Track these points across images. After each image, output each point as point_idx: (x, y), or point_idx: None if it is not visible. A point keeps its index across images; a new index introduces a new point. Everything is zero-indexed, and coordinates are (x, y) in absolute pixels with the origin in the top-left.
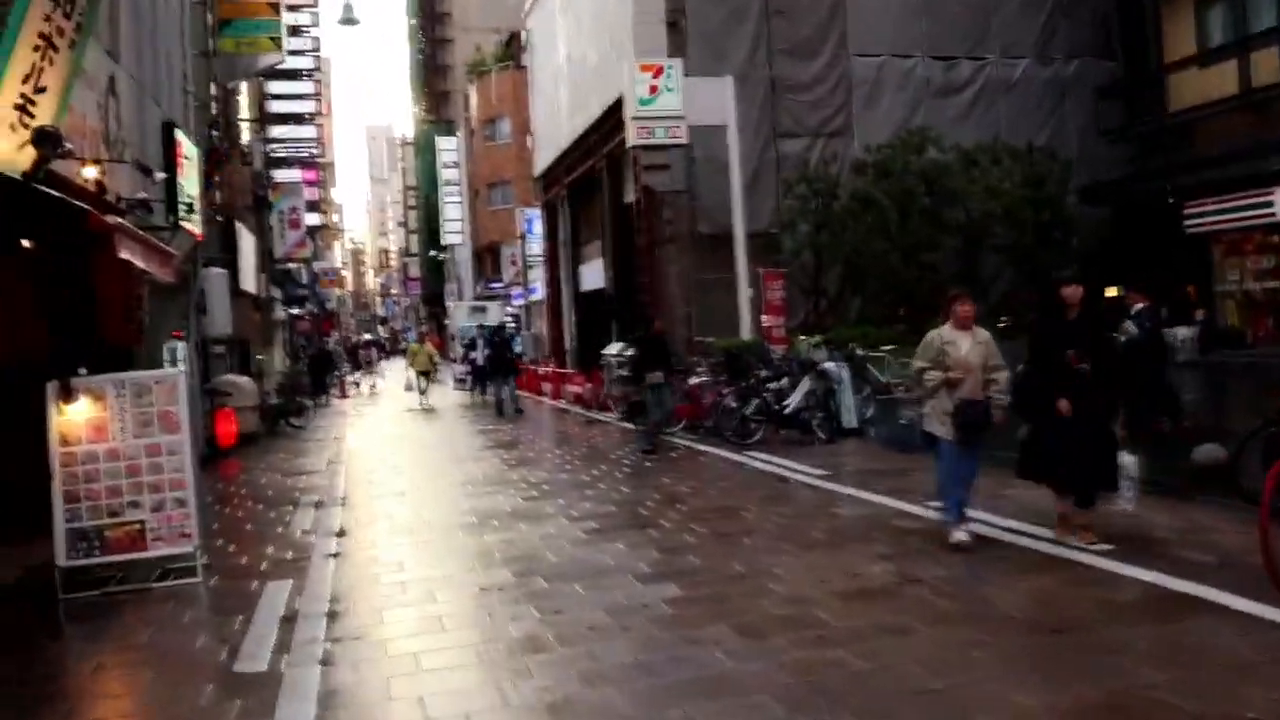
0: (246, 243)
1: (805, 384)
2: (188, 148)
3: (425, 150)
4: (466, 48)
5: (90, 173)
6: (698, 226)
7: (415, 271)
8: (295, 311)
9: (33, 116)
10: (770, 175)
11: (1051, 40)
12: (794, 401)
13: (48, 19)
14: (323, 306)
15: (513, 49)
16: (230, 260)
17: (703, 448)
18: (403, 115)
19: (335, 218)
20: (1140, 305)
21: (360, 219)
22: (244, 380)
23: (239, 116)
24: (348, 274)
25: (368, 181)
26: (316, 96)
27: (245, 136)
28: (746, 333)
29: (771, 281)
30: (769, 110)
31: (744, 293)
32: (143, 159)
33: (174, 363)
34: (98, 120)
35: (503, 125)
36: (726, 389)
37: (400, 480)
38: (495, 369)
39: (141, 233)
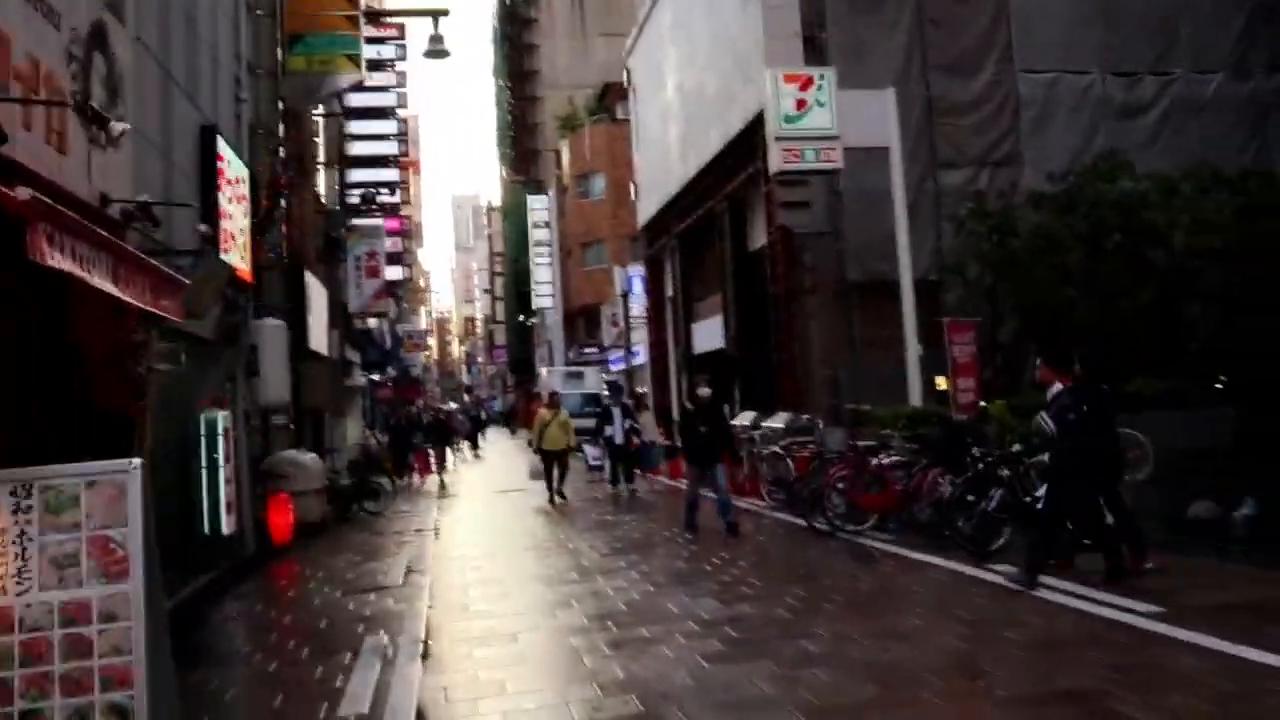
0: (317, 295)
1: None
2: (234, 165)
3: (513, 212)
4: (556, 105)
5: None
6: (845, 273)
7: (501, 339)
8: (375, 377)
9: None
10: (928, 211)
11: (1250, 51)
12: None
13: None
14: (406, 372)
15: (606, 101)
16: (296, 314)
17: (919, 556)
18: (489, 184)
19: (421, 281)
20: None
21: (445, 288)
22: (308, 458)
23: (312, 153)
24: (433, 340)
25: (453, 251)
26: (402, 137)
27: (321, 179)
28: (916, 399)
29: (959, 335)
30: (926, 136)
31: (913, 350)
32: (168, 170)
33: (211, 438)
34: (63, 71)
35: (596, 181)
36: (939, 474)
37: (510, 610)
38: (699, 452)
39: (128, 248)
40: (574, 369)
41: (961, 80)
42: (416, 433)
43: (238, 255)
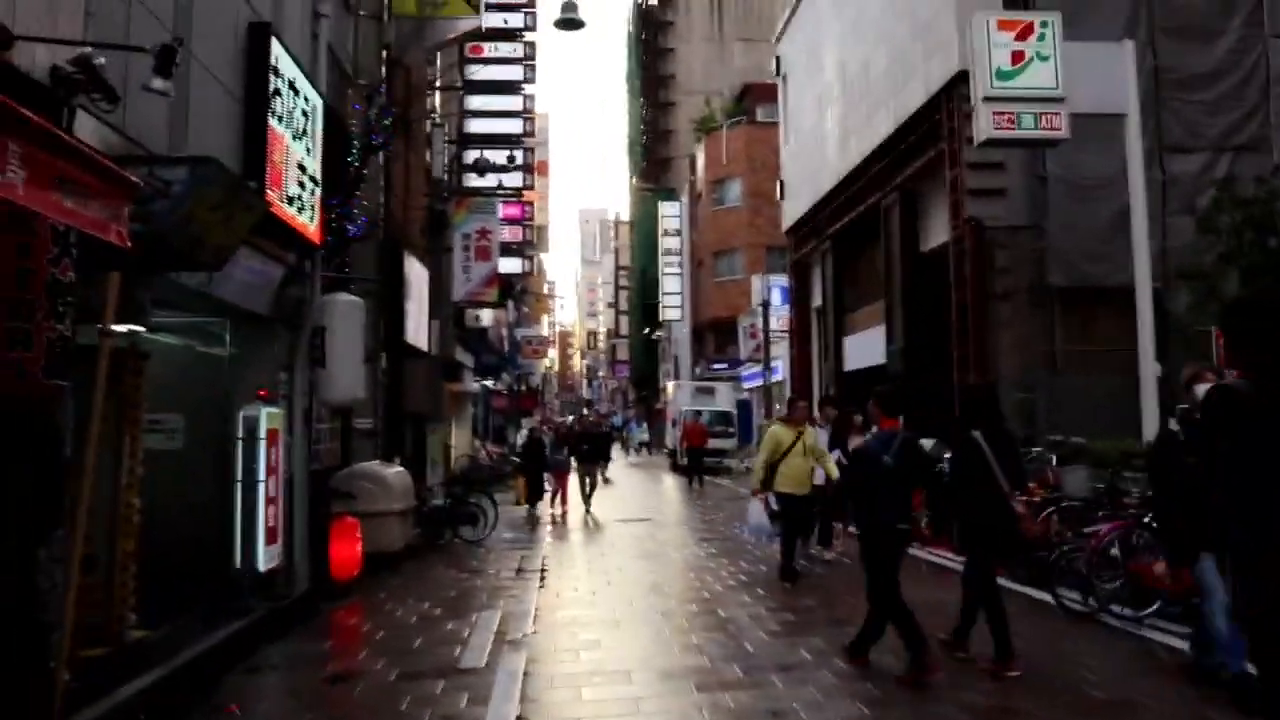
0: (417, 278)
1: None
2: (301, 88)
3: (642, 222)
4: (691, 111)
5: None
6: (1047, 276)
7: (624, 354)
8: (490, 384)
9: None
10: (1153, 205)
11: None
12: None
13: None
14: (524, 380)
15: (746, 102)
16: (391, 299)
17: None
18: (617, 198)
19: (545, 288)
20: None
21: (570, 302)
22: (391, 472)
23: (422, 112)
24: (554, 352)
25: (578, 265)
26: (528, 116)
27: (434, 155)
28: (1151, 429)
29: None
30: (1151, 113)
31: (1149, 369)
32: (198, 75)
33: (250, 444)
34: None
35: (732, 188)
36: None
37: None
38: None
39: (46, 126)
40: (705, 384)
41: (1197, 46)
42: (563, 448)
43: (300, 207)
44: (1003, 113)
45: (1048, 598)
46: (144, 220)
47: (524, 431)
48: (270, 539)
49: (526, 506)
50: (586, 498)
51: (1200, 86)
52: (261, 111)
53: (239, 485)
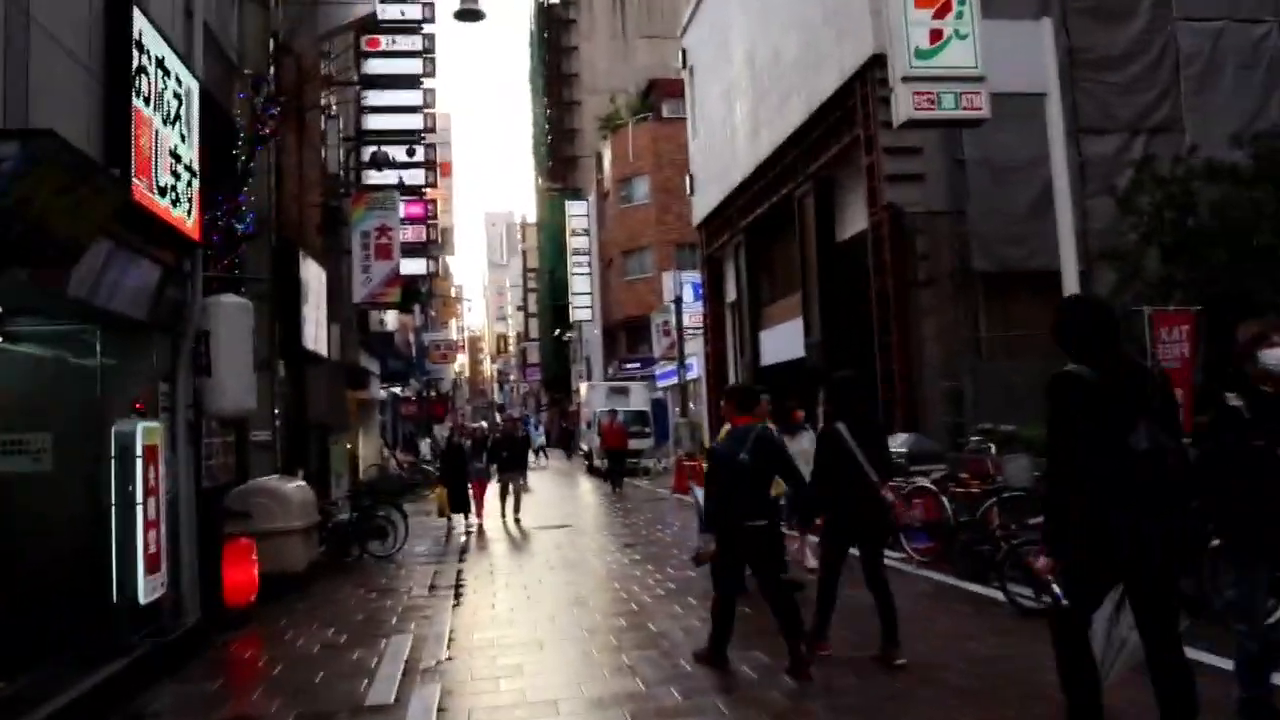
0: (314, 279)
1: None
2: (171, 67)
3: (549, 223)
4: (595, 110)
5: None
6: (970, 261)
7: (535, 356)
8: (398, 390)
9: None
10: (1071, 187)
11: None
12: None
13: None
14: (433, 386)
15: (651, 99)
16: (287, 301)
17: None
18: (523, 201)
19: (452, 292)
20: None
21: (478, 306)
22: (290, 487)
23: (315, 101)
24: (464, 357)
25: (485, 268)
26: (429, 110)
27: (329, 152)
28: None
29: (1168, 327)
30: (1067, 95)
31: None
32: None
33: (126, 462)
34: None
35: (639, 185)
36: None
37: None
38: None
39: None
40: (619, 383)
41: (1109, 27)
42: (481, 454)
43: (175, 199)
44: (923, 93)
45: (997, 594)
46: None
47: (429, 440)
48: (152, 566)
49: (446, 519)
50: (515, 508)
51: (1113, 67)
52: (125, 90)
53: (114, 509)
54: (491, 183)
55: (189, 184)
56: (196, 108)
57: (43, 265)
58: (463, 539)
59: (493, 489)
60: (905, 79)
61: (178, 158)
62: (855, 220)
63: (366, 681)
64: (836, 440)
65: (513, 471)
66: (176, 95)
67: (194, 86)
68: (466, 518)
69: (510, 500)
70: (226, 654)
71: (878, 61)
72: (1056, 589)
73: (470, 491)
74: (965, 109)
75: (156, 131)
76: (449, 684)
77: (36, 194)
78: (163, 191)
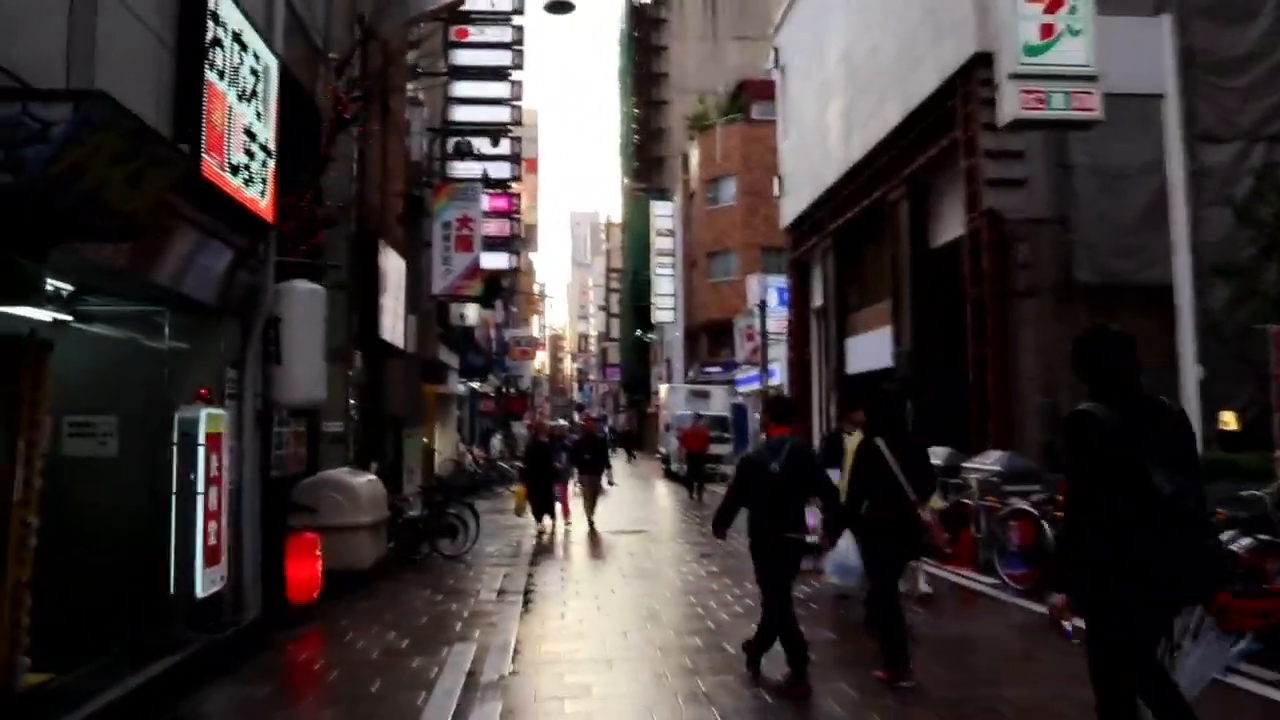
0: (392, 268)
1: None
2: (241, 32)
3: (635, 222)
4: (684, 110)
5: None
6: (1073, 272)
7: (615, 357)
8: (477, 386)
9: None
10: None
11: None
12: None
13: None
14: (513, 383)
15: (741, 100)
16: (365, 291)
17: None
18: (608, 201)
19: (535, 289)
20: None
21: (560, 305)
22: (360, 481)
23: (400, 85)
24: (544, 355)
25: (569, 267)
26: (515, 104)
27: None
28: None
29: None
30: (1184, 100)
31: (1190, 372)
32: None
33: (188, 451)
34: None
35: (727, 186)
36: None
37: None
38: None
39: None
40: (699, 387)
41: (1231, 28)
42: (560, 455)
43: (249, 179)
44: (1031, 91)
45: None
46: (13, 170)
47: (499, 436)
48: (211, 559)
49: (533, 520)
50: (590, 509)
51: (1233, 70)
52: (197, 61)
53: (174, 498)
54: (577, 182)
55: (264, 164)
56: (275, 87)
57: (99, 239)
58: (534, 542)
59: (573, 490)
60: (1013, 76)
61: (252, 136)
62: (951, 226)
63: (425, 695)
64: (875, 455)
65: (594, 474)
66: (254, 71)
67: (273, 64)
68: (552, 520)
69: (587, 503)
70: (283, 655)
71: (980, 61)
72: (1068, 626)
73: (555, 493)
74: (1076, 109)
75: (230, 107)
76: (511, 703)
77: (90, 162)
78: (235, 170)
